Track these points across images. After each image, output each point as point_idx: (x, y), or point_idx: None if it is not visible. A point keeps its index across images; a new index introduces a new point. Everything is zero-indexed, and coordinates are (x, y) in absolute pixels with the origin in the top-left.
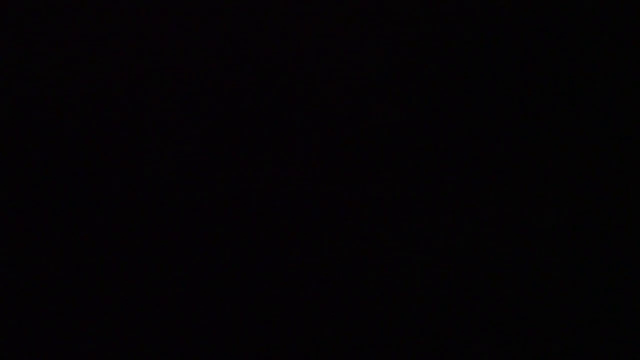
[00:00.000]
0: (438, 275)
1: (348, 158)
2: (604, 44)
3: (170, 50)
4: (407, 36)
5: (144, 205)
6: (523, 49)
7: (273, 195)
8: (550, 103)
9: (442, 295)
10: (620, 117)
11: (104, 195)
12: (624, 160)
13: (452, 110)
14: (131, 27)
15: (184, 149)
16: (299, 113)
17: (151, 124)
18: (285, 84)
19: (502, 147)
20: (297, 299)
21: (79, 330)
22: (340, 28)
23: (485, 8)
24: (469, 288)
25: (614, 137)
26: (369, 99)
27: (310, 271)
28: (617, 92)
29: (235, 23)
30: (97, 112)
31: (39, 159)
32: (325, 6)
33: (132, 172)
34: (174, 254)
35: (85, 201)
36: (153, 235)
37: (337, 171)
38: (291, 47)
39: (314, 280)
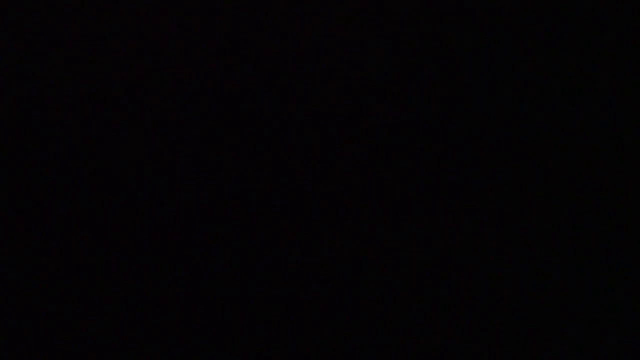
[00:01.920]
0: (438, 275)
1: (348, 158)
2: (604, 44)
3: (170, 50)
4: (407, 36)
5: (144, 205)
6: (523, 49)
7: (273, 195)
8: (550, 103)
9: (442, 295)
10: (620, 117)
11: (104, 195)
12: (624, 160)
13: (451, 110)
14: (131, 27)
15: (184, 149)
16: (299, 113)
17: (151, 124)
18: (285, 84)
19: (502, 147)
20: (297, 299)
21: (79, 330)
22: (340, 28)
23: (485, 8)
24: (469, 288)
25: (614, 137)
26: (369, 99)
27: (310, 271)
28: (617, 92)
29: (235, 23)
30: (97, 112)
31: (39, 159)
32: (325, 6)
33: (132, 172)
34: (174, 254)
35: (85, 201)
36: (153, 236)
37: (337, 171)
38: (291, 47)
39: (314, 280)
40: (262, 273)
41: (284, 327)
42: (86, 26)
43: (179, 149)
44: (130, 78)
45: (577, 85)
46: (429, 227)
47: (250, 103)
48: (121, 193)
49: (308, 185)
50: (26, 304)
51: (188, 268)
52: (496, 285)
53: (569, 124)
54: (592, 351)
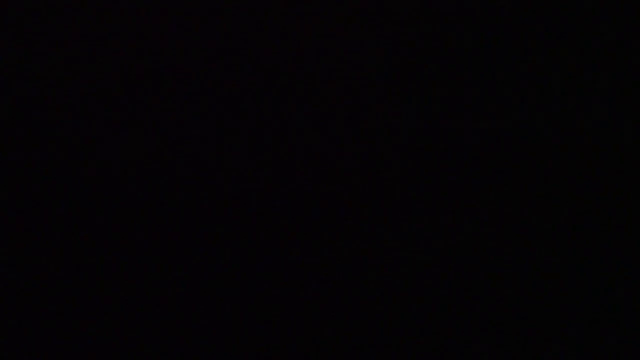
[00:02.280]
0: (438, 275)
1: (348, 158)
2: (604, 44)
3: (170, 50)
4: (407, 36)
5: (144, 205)
6: (523, 49)
7: (273, 195)
8: (549, 103)
9: (442, 295)
10: (620, 117)
11: (104, 195)
12: (624, 160)
13: (451, 110)
14: (131, 27)
15: (184, 149)
16: (299, 113)
17: (151, 124)
18: (285, 84)
19: (502, 147)
20: (297, 299)
21: (79, 330)
22: (340, 28)
23: (485, 8)
24: (469, 288)
25: (614, 137)
26: (369, 99)
27: (310, 271)
28: (617, 92)
29: (235, 23)
30: (97, 112)
31: (39, 159)
32: (325, 6)
33: (132, 172)
34: (174, 254)
35: (85, 201)
36: (153, 235)
37: (337, 171)
38: (291, 47)
39: (314, 280)
40: (262, 273)
41: (284, 327)
42: (86, 26)
43: (179, 149)
44: (130, 78)
45: (577, 85)
46: (429, 227)
47: (250, 103)
48: (121, 193)
49: (308, 185)
50: (26, 304)
51: (188, 268)
52: (496, 285)
53: (569, 124)
54: (592, 351)
